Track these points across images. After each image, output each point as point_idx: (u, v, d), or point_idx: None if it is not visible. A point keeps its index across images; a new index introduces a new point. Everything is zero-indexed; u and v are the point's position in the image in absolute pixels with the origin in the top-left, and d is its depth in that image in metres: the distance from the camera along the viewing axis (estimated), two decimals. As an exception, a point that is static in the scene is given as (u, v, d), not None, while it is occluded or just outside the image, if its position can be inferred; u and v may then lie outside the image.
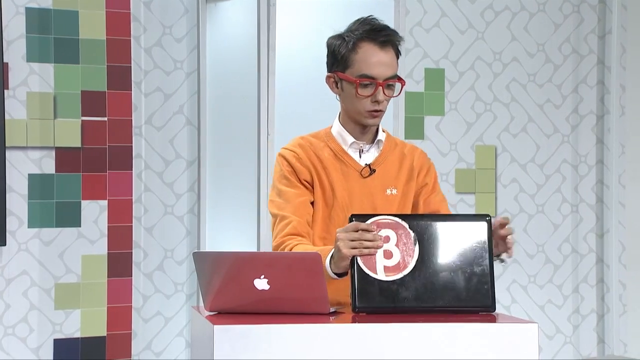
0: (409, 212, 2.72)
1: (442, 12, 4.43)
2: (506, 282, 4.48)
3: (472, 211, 4.46)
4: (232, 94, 3.96)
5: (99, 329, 3.91)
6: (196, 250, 2.54)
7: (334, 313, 2.41)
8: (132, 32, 3.98)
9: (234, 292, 2.35)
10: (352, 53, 2.67)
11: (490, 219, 2.43)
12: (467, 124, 4.48)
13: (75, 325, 3.90)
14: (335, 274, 2.49)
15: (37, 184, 3.85)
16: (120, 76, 3.93)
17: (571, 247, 4.61)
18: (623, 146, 4.63)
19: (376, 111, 2.67)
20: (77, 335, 3.90)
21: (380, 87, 2.65)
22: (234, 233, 3.94)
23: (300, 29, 3.98)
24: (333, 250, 2.47)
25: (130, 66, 3.95)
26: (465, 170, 4.48)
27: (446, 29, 4.44)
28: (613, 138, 4.59)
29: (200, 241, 4.05)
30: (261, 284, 2.33)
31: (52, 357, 3.88)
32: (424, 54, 4.41)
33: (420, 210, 2.74)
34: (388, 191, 2.73)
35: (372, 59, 2.65)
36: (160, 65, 4.08)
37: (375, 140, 2.76)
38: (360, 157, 2.75)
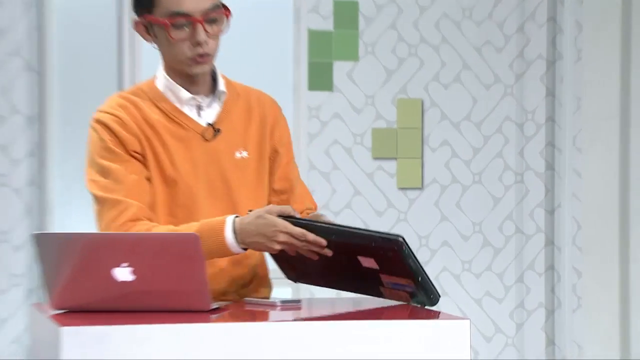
0: (266, 179, 2.78)
1: None
2: (435, 270, 4.51)
3: (394, 181, 4.48)
4: (85, 31, 3.91)
5: None
6: (37, 232, 2.52)
7: (217, 310, 2.43)
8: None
9: (88, 284, 2.34)
10: None
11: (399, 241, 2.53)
12: (386, 71, 4.49)
13: None
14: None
15: None
16: None
17: (515, 226, 4.67)
18: (579, 99, 4.69)
19: (201, 55, 2.67)
20: None
21: (200, 25, 2.64)
22: (90, 210, 3.89)
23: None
24: (240, 222, 2.56)
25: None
26: (385, 130, 4.49)
27: (360, -50, 4.44)
28: (567, 90, 4.65)
29: (44, 221, 4.02)
30: (123, 273, 2.33)
31: None
32: (331, -19, 4.41)
33: (277, 186, 2.80)
34: (237, 154, 2.73)
35: None
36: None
37: (216, 92, 2.75)
38: (199, 115, 2.73)
